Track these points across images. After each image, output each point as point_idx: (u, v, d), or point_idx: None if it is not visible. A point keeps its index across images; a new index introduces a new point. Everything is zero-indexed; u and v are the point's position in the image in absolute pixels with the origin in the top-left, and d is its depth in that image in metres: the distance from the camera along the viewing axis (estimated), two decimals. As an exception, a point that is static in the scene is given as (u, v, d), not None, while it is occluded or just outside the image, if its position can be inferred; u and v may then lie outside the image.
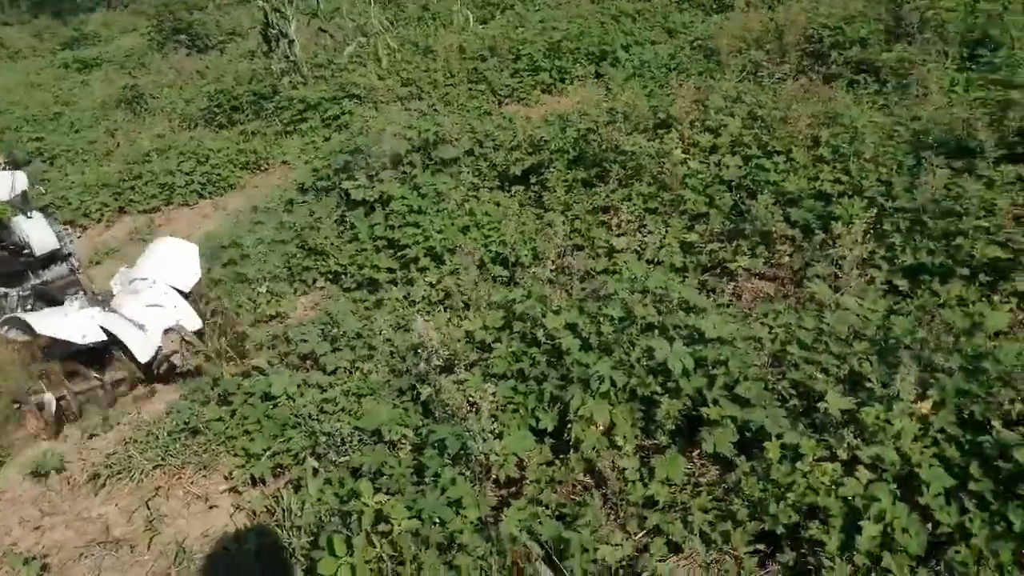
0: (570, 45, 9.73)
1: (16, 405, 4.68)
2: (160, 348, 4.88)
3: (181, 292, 5.28)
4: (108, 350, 4.86)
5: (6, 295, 5.36)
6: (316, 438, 3.81)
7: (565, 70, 9.51)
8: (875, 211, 4.69)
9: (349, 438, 3.73)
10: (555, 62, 9.60)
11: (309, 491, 3.56)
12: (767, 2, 9.87)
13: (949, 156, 4.92)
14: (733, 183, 5.42)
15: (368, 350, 4.60)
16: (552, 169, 6.03)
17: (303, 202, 6.74)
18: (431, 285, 5.21)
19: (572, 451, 3.60)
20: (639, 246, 5.11)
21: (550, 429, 3.72)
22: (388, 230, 5.95)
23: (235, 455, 4.00)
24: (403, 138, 6.68)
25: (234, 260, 6.02)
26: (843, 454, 3.15)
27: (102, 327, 4.78)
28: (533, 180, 6.13)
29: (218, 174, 8.69)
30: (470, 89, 9.61)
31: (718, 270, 4.95)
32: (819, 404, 3.34)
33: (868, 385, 3.40)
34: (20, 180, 5.46)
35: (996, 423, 3.12)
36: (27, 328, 4.80)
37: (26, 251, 5.42)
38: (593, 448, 3.56)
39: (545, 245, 5.23)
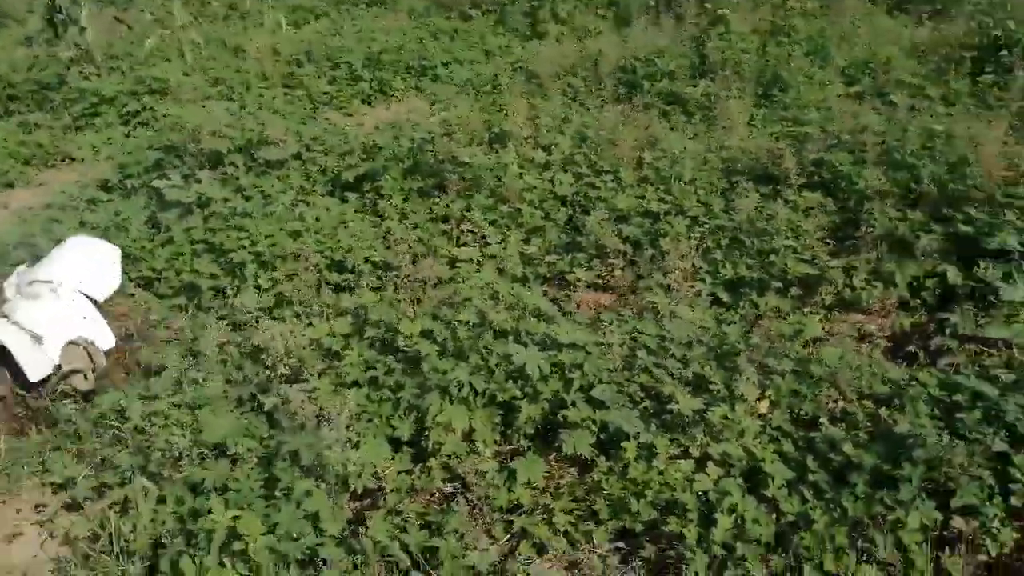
0: (390, 57, 9.64)
1: None
2: (58, 365, 4.06)
3: (93, 301, 4.45)
4: None
5: None
6: (147, 455, 3.43)
7: (386, 82, 9.41)
8: (699, 229, 5.06)
9: (187, 452, 3.40)
10: (376, 73, 9.48)
11: (140, 513, 3.20)
12: (577, 34, 10.37)
13: (757, 182, 5.41)
14: (567, 199, 5.62)
15: (193, 357, 4.25)
16: (387, 177, 5.91)
17: (108, 200, 6.12)
18: (263, 290, 4.90)
19: (432, 458, 3.52)
20: (480, 256, 5.13)
21: (407, 437, 3.62)
22: (208, 233, 5.54)
23: (44, 476, 3.51)
24: (224, 136, 6.27)
25: (24, 262, 5.31)
26: (695, 452, 3.34)
27: None
28: (367, 187, 5.98)
29: (-5, 168, 7.67)
30: (286, 93, 9.25)
31: (556, 281, 5.09)
32: (669, 406, 3.52)
33: (711, 387, 3.64)
34: None
35: (824, 419, 3.45)
36: None
37: None
38: (453, 454, 3.51)
39: (385, 252, 5.11)
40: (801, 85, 7.32)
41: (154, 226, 5.81)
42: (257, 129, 6.39)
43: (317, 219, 5.61)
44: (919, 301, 4.48)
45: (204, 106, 7.90)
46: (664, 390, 3.63)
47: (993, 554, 2.97)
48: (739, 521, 3.13)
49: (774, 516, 3.16)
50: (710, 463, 3.31)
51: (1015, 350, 3.85)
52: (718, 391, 3.58)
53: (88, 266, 4.63)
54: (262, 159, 6.22)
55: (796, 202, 5.10)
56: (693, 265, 4.83)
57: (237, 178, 6.01)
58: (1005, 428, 3.14)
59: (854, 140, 5.53)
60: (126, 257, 5.50)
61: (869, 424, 3.42)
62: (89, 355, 4.08)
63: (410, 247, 5.16)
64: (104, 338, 4.30)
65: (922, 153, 5.24)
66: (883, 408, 3.43)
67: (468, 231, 5.39)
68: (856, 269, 4.57)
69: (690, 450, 3.34)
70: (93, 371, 4.06)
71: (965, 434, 3.16)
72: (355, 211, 5.76)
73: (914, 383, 3.58)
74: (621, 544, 3.25)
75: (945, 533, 3.08)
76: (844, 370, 3.63)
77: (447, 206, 5.59)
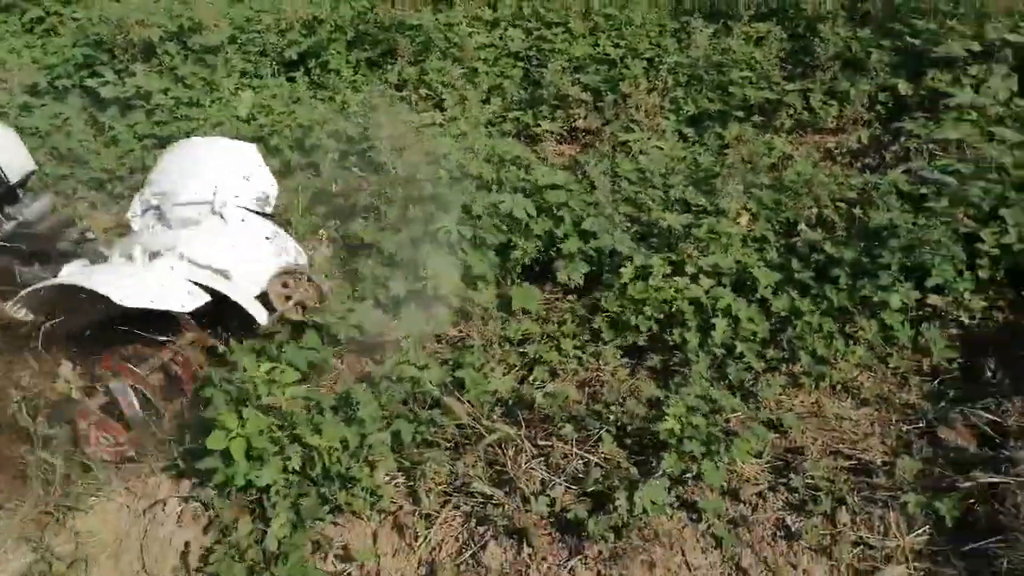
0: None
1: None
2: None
3: (263, 215, 3.73)
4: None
5: None
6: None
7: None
8: (657, 70, 5.10)
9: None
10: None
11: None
12: None
13: (708, 19, 5.43)
14: (521, 54, 5.57)
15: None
16: (332, 51, 5.75)
17: (41, 105, 5.80)
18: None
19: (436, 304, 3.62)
20: (442, 119, 5.10)
21: (403, 295, 3.67)
22: (156, 127, 5.36)
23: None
24: (152, 26, 5.96)
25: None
26: (691, 268, 3.49)
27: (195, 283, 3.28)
28: (312, 64, 5.81)
29: None
30: (200, -16, 8.75)
31: (523, 137, 5.10)
32: (657, 225, 3.67)
33: (694, 208, 3.79)
34: None
35: (803, 224, 3.65)
36: (72, 298, 3.19)
37: None
38: (454, 294, 3.61)
39: (344, 125, 5.02)
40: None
41: (95, 126, 5.58)
42: (186, 15, 6.09)
43: (264, 102, 5.47)
44: (874, 115, 4.66)
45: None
46: (651, 215, 3.77)
47: (966, 321, 3.26)
48: (734, 323, 3.34)
49: (766, 317, 3.37)
50: (702, 276, 3.48)
51: (966, 149, 4.08)
52: (701, 209, 3.73)
53: (237, 173, 3.79)
54: (197, 46, 5.95)
55: (748, 33, 5.16)
56: (655, 105, 4.90)
57: (174, 68, 5.76)
58: (971, 207, 3.38)
59: (798, -33, 5.57)
60: (75, 161, 5.32)
61: (845, 225, 3.63)
62: (309, 279, 3.51)
63: (368, 117, 5.10)
64: (299, 256, 3.66)
65: (866, -28, 5.32)
66: (856, 208, 3.64)
67: (425, 96, 5.33)
68: (812, 91, 4.70)
69: (685, 266, 3.49)
70: (310, 299, 3.49)
71: (935, 220, 3.40)
72: (305, 88, 5.62)
73: (881, 184, 3.78)
74: (627, 360, 3.44)
75: (921, 312, 3.35)
76: (817, 177, 3.80)
77: (400, 73, 5.49)
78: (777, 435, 3.08)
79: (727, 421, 3.02)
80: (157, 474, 3.14)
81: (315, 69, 5.81)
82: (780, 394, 3.22)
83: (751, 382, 3.19)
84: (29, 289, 3.16)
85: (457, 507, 2.88)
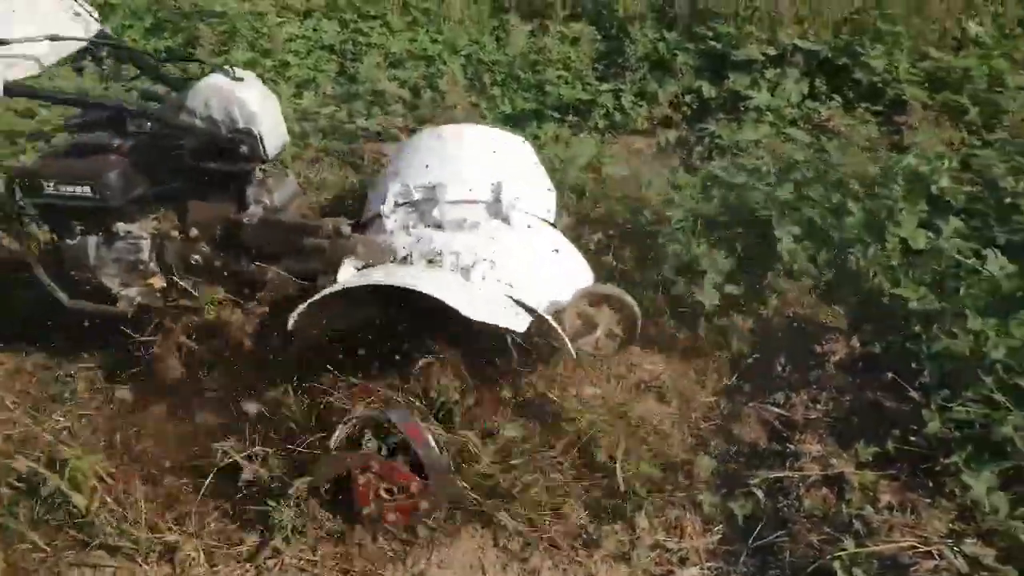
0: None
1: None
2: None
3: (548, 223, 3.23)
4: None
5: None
6: None
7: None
8: (475, 67, 5.05)
9: None
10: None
11: None
12: None
13: (525, 17, 5.46)
14: (335, 48, 5.36)
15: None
16: (128, 39, 5.29)
17: None
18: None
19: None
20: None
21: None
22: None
23: None
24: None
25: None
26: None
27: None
28: (105, 54, 5.31)
29: None
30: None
31: (337, 134, 4.89)
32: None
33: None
34: None
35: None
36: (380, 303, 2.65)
37: (243, 148, 2.79)
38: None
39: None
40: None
41: None
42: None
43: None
44: (680, 116, 4.80)
45: None
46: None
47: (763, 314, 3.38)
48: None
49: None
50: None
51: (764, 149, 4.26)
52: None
53: (514, 171, 3.26)
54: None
55: (564, 33, 5.21)
56: (473, 103, 4.84)
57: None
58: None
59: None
60: None
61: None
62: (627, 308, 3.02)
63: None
64: (585, 276, 3.11)
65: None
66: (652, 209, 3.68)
67: (231, 90, 5.00)
68: (624, 91, 4.79)
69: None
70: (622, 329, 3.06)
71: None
72: (99, 81, 5.13)
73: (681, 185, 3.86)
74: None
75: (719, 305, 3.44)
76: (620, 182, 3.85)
77: (202, 65, 5.12)
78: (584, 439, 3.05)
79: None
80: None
81: (108, 59, 5.32)
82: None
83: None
84: (325, 292, 2.49)
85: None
